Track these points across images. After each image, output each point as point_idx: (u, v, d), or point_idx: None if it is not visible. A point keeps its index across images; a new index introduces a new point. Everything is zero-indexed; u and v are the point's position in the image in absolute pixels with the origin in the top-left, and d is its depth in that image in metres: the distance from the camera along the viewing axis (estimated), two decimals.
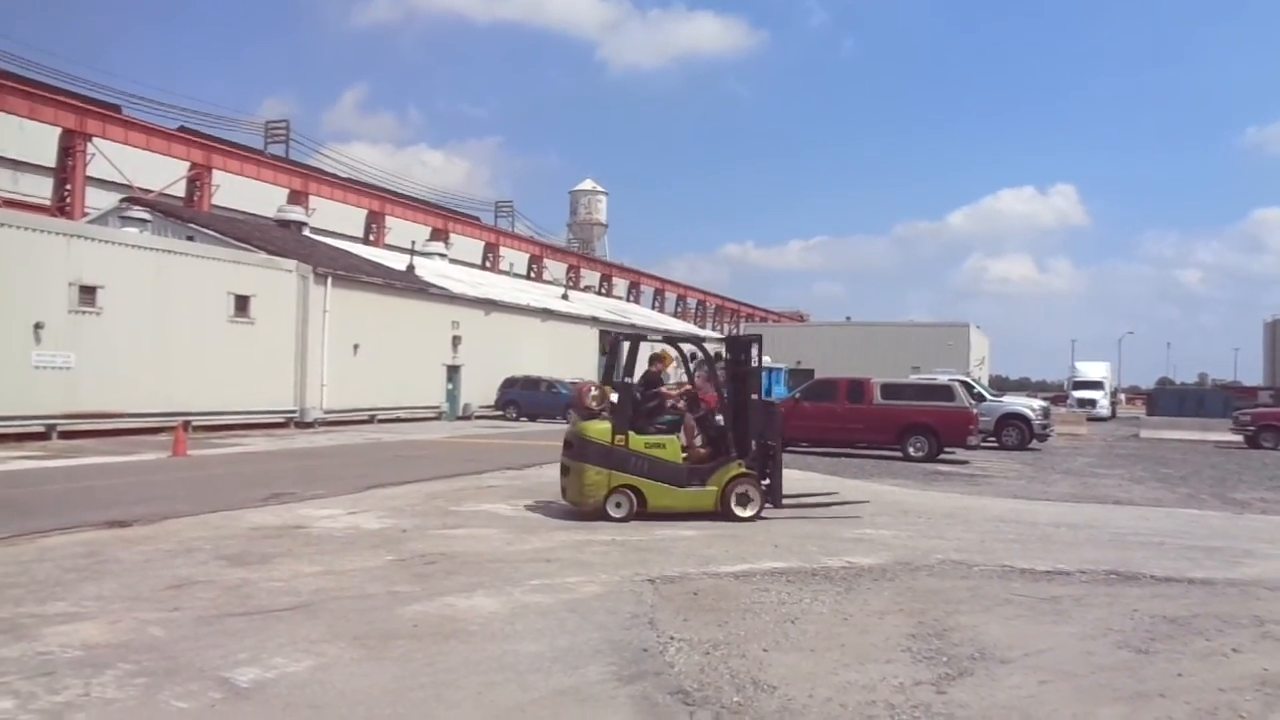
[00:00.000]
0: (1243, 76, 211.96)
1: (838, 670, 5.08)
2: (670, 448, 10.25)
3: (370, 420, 28.79)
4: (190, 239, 26.79)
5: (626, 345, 10.54)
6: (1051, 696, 4.73)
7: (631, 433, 10.09)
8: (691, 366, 12.33)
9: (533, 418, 34.02)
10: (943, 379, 24.77)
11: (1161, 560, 8.52)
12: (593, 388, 10.63)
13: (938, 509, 11.89)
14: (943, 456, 19.85)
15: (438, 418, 32.63)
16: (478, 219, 66.02)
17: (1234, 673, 5.18)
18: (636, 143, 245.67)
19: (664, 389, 10.93)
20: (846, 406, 20.58)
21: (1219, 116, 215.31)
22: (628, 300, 72.04)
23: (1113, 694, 4.79)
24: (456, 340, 33.91)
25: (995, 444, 23.51)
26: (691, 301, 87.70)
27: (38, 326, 19.56)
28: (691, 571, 7.59)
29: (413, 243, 41.54)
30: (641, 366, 10.74)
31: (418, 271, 35.16)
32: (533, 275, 63.27)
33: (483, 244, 62.29)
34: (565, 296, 48.55)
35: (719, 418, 10.84)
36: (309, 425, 26.18)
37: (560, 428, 29.90)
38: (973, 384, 26.79)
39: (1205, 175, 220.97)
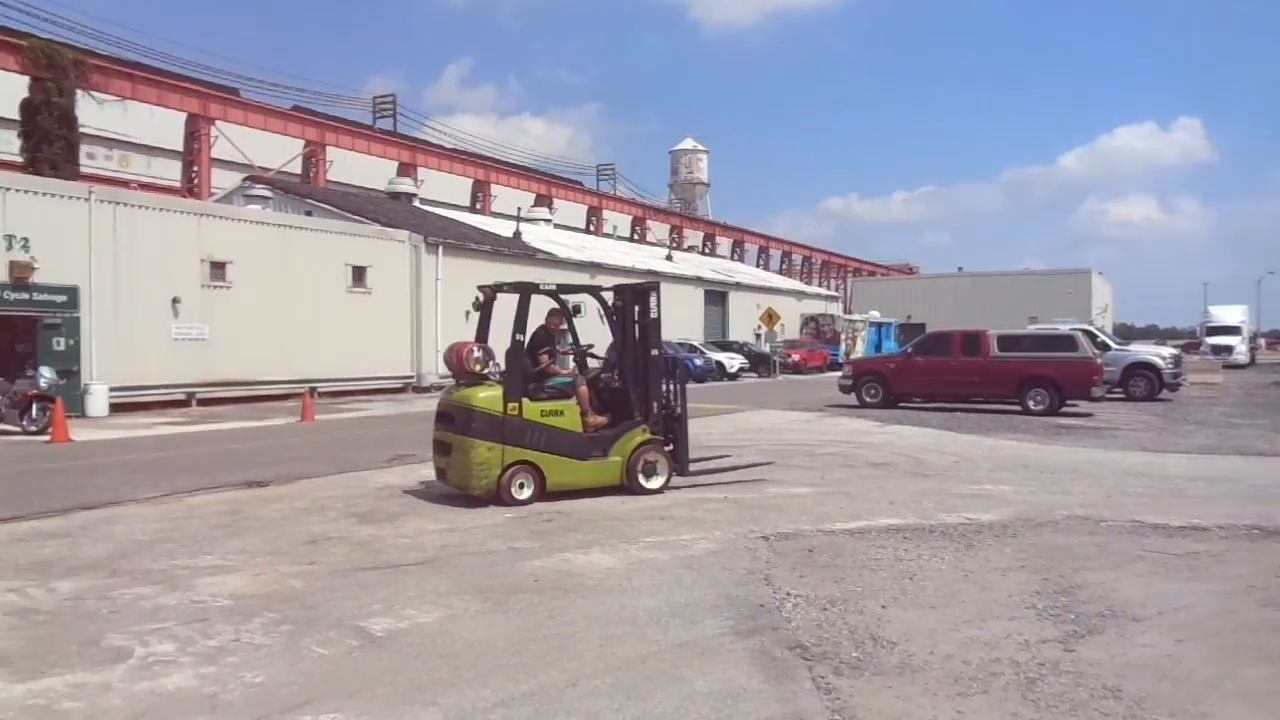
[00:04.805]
0: None
1: (959, 627, 4.99)
2: (569, 415, 8.95)
3: None
4: (309, 214, 27.85)
5: (515, 299, 8.94)
6: (1190, 656, 4.54)
7: (525, 400, 8.75)
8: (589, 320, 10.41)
9: None
10: (1064, 328, 23.79)
11: None
12: (474, 348, 9.02)
13: (1061, 463, 11.48)
14: (1065, 409, 19.12)
15: None
16: (580, 184, 66.47)
17: None
18: (735, 101, 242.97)
19: (556, 348, 9.68)
20: (961, 360, 19.97)
21: None
22: (731, 259, 71.49)
23: (1257, 654, 4.58)
24: None
25: (1122, 395, 22.49)
26: (797, 258, 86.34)
27: (175, 301, 20.89)
28: (806, 529, 7.57)
29: (518, 209, 42.12)
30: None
31: (524, 237, 35.66)
32: (636, 237, 63.39)
33: (586, 208, 62.67)
34: (669, 257, 48.45)
35: (611, 377, 9.62)
36: (425, 389, 27.00)
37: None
38: (1096, 333, 25.64)
39: None
